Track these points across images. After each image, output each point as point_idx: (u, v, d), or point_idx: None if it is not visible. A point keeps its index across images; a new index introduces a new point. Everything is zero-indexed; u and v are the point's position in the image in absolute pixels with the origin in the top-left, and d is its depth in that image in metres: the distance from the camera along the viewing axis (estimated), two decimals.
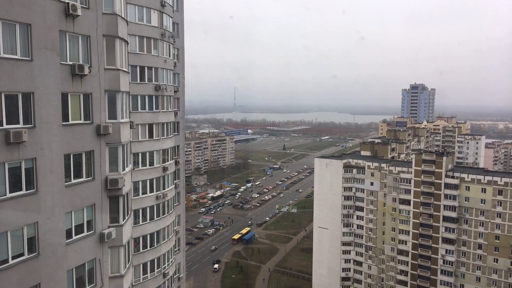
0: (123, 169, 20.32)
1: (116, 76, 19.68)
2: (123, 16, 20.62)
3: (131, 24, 30.18)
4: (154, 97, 34.45)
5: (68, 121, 16.85)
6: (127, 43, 21.88)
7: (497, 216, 75.35)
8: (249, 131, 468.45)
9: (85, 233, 17.84)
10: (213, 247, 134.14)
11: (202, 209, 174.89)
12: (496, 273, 76.66)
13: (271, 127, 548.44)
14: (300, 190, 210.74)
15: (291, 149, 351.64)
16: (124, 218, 20.51)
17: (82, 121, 17.65)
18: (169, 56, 36.46)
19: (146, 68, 33.52)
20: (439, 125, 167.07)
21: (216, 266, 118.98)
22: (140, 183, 33.92)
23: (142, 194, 34.21)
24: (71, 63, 16.84)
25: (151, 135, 34.65)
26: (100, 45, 18.72)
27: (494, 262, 76.51)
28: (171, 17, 36.88)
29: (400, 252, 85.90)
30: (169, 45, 36.38)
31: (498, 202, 75.07)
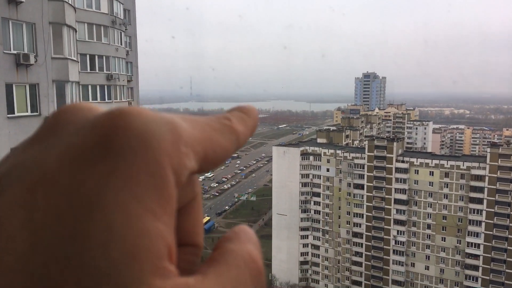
0: None
1: (65, 65, 18.90)
2: (70, 2, 19.75)
3: (79, 11, 28.91)
4: (106, 86, 33.38)
5: (14, 113, 16.05)
6: (76, 31, 21.02)
7: (444, 197, 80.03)
8: None
9: None
10: None
11: None
12: (444, 251, 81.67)
13: None
14: (259, 178, 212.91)
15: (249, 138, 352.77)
16: None
17: (29, 113, 16.86)
18: (121, 44, 35.37)
19: (96, 57, 32.36)
20: (390, 112, 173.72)
21: None
22: None
23: None
24: (15, 52, 15.99)
25: None
26: (47, 33, 17.86)
27: (442, 241, 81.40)
28: (122, 4, 35.71)
29: (355, 234, 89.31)
30: (121, 33, 35.27)
31: (444, 184, 79.66)
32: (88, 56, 31.76)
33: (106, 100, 33.58)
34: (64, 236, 0.30)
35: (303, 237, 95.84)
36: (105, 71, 33.12)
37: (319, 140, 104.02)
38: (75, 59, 20.67)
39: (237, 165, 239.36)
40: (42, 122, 0.40)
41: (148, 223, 0.32)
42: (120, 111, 0.36)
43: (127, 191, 0.32)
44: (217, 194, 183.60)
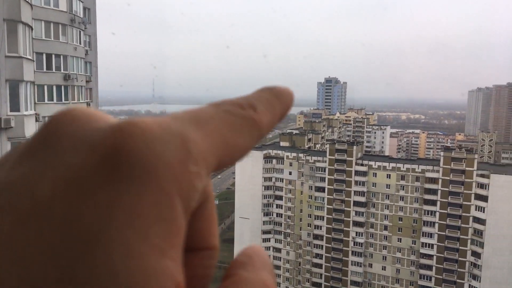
0: None
1: (19, 64, 18.19)
2: None
3: (36, 8, 27.85)
4: (63, 87, 32.30)
5: None
6: (32, 29, 20.27)
7: (400, 199, 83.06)
8: None
9: None
10: None
11: None
12: (400, 252, 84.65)
13: None
14: (222, 182, 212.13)
15: None
16: None
17: None
18: (80, 43, 34.38)
19: (53, 56, 31.27)
20: (350, 117, 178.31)
21: None
22: None
23: None
24: None
25: None
26: (0, 30, 17.13)
27: (398, 241, 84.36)
28: (82, 2, 34.74)
29: (316, 237, 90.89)
30: (80, 32, 34.29)
31: (401, 186, 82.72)
32: (44, 55, 30.64)
33: (63, 101, 32.49)
34: (59, 279, 0.27)
35: (265, 240, 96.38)
36: (62, 71, 32.05)
37: (282, 144, 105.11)
38: (30, 58, 19.91)
39: None
40: (35, 131, 0.36)
41: (154, 262, 0.29)
42: (122, 128, 0.32)
43: (130, 226, 0.29)
44: None
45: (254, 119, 0.41)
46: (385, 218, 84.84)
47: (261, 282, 0.40)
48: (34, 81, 21.71)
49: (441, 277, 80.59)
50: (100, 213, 0.29)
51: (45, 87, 30.96)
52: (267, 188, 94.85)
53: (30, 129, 19.23)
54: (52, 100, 31.69)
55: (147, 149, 0.31)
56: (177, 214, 0.31)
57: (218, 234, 0.43)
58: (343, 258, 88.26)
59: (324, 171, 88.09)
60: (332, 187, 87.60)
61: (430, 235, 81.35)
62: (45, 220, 0.28)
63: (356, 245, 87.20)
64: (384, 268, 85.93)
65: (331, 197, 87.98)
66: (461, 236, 78.97)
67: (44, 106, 30.84)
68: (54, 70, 31.48)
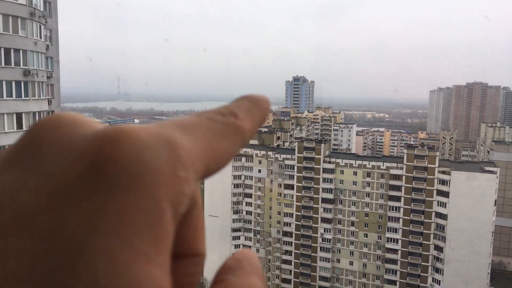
0: None
1: None
2: None
3: None
4: (23, 83, 30.86)
5: None
6: None
7: (366, 196, 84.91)
8: (136, 120, 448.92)
9: None
10: None
11: None
12: (366, 247, 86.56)
13: (160, 117, 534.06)
14: None
15: None
16: None
17: None
18: (40, 38, 32.94)
19: (12, 50, 29.80)
20: (318, 115, 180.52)
21: None
22: None
23: None
24: None
25: (20, 125, 31.04)
26: None
27: (364, 237, 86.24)
28: None
29: (285, 233, 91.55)
30: (40, 26, 32.84)
31: (367, 183, 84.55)
32: (2, 50, 29.16)
33: (23, 97, 31.07)
34: None
35: (235, 238, 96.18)
36: (22, 66, 30.61)
37: (251, 142, 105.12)
38: None
39: None
40: (18, 137, 0.34)
41: (139, 270, 0.28)
42: (108, 135, 0.31)
43: (116, 234, 0.28)
44: None
45: (237, 125, 0.42)
46: (352, 214, 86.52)
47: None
48: None
49: (405, 271, 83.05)
50: (84, 222, 0.28)
51: (4, 83, 29.47)
52: (236, 186, 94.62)
53: None
54: (11, 96, 30.22)
55: (135, 155, 0.31)
56: (165, 219, 0.31)
57: (205, 240, 0.42)
58: (312, 254, 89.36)
59: (293, 168, 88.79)
60: (300, 184, 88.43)
61: (395, 230, 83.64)
62: (26, 231, 0.27)
63: (324, 241, 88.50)
64: (351, 263, 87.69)
65: (300, 194, 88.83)
66: (424, 231, 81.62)
67: (2, 102, 29.36)
68: (13, 65, 30.03)
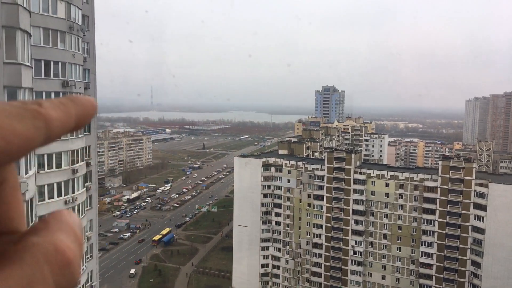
0: (26, 172, 18.68)
1: (17, 70, 17.98)
2: (25, 6, 18.91)
3: (35, 15, 27.78)
4: (61, 94, 32.11)
5: None
6: (30, 36, 20.12)
7: (399, 208, 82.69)
8: (168, 130, 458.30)
9: None
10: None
11: (116, 212, 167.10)
12: (399, 261, 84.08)
13: (190, 126, 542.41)
14: (220, 189, 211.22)
15: (211, 148, 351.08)
16: (28, 225, 18.83)
17: None
18: (78, 51, 34.25)
19: (52, 63, 31.12)
20: (348, 125, 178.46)
21: (132, 271, 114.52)
22: (46, 186, 31.42)
23: (49, 198, 31.72)
24: None
25: None
26: None
27: (397, 250, 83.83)
28: (80, 9, 34.68)
29: (315, 245, 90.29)
30: (78, 39, 34.18)
31: (400, 195, 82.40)
32: (43, 62, 30.50)
33: None
34: None
35: (263, 248, 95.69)
36: (60, 78, 31.89)
37: (280, 152, 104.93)
38: (28, 64, 19.72)
39: (193, 177, 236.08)
40: None
41: None
42: None
43: None
44: (177, 205, 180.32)
45: (38, 110, 0.41)
46: (384, 227, 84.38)
47: (52, 246, 0.39)
48: (33, 87, 21.51)
49: (441, 286, 79.96)
50: None
51: (43, 94, 30.79)
52: (265, 196, 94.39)
53: None
54: None
55: None
56: None
57: (22, 216, 0.42)
58: (343, 267, 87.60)
59: (323, 179, 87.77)
60: (330, 195, 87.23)
61: (430, 244, 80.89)
62: None
63: (356, 254, 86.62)
64: (383, 278, 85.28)
65: (330, 205, 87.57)
66: (461, 246, 78.54)
67: None
68: (52, 77, 31.32)
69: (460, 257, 78.71)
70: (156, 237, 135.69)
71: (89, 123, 0.46)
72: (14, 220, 0.41)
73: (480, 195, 76.10)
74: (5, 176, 0.41)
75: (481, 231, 75.72)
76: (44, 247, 0.37)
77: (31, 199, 19.26)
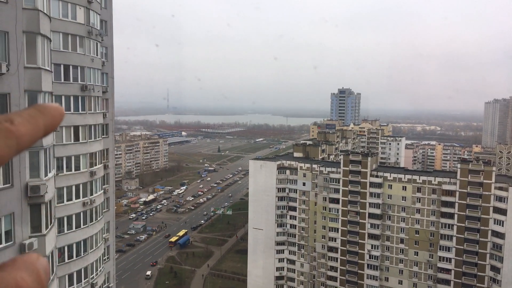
0: (46, 175, 19.08)
1: (38, 75, 18.44)
2: (45, 11, 19.38)
3: (54, 20, 28.42)
4: (80, 97, 32.74)
5: None
6: (50, 40, 20.60)
7: (417, 212, 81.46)
8: (183, 133, 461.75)
9: (3, 244, 16.46)
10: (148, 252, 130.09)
11: (133, 214, 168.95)
12: (417, 266, 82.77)
13: (206, 129, 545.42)
14: (236, 192, 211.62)
15: (226, 151, 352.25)
16: (47, 227, 19.24)
17: None
18: (97, 55, 34.88)
19: (71, 67, 31.76)
20: (364, 128, 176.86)
21: (148, 273, 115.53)
22: (65, 189, 32.02)
23: (67, 200, 32.31)
24: None
25: (76, 138, 32.85)
26: (20, 42, 17.42)
27: (415, 255, 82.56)
28: (99, 14, 35.33)
29: (330, 249, 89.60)
30: (97, 43, 34.81)
31: (417, 199, 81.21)
32: (62, 66, 31.16)
33: (80, 111, 32.92)
34: None
35: (278, 251, 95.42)
36: (79, 82, 32.52)
37: (295, 154, 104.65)
38: (48, 69, 20.18)
39: (208, 180, 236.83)
40: None
41: None
42: None
43: None
44: (193, 208, 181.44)
45: (9, 129, 0.45)
46: (401, 231, 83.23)
47: (13, 281, 0.42)
48: (52, 91, 22.00)
49: None
50: None
51: (63, 98, 31.43)
52: (280, 199, 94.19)
53: (48, 138, 19.42)
54: (70, 110, 32.12)
55: None
56: None
57: None
58: (359, 271, 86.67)
59: (339, 182, 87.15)
60: (346, 198, 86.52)
61: (448, 249, 79.44)
62: None
63: (372, 258, 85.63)
64: (400, 282, 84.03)
65: (346, 208, 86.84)
66: (480, 250, 76.90)
67: None
68: (71, 81, 31.97)
69: (479, 262, 77.07)
70: (173, 239, 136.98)
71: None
72: None
73: (500, 199, 74.46)
74: None
75: (501, 235, 74.05)
76: (6, 281, 0.40)
77: (50, 201, 19.65)
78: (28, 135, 0.45)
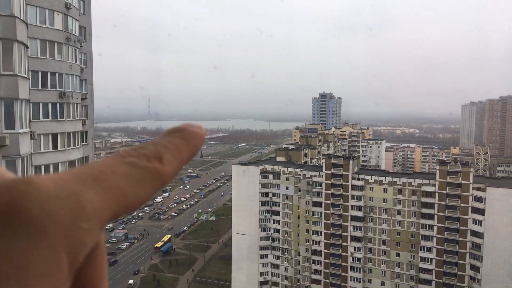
0: None
1: (14, 82, 18.12)
2: (22, 18, 19.09)
3: (32, 27, 27.98)
4: (58, 104, 32.21)
5: None
6: (27, 47, 20.27)
7: (398, 214, 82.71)
8: None
9: None
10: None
11: (113, 222, 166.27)
12: (399, 267, 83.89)
13: None
14: (219, 198, 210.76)
15: (209, 157, 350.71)
16: None
17: None
18: (75, 61, 34.43)
19: (49, 74, 31.26)
20: (345, 131, 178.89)
21: (131, 281, 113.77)
22: None
23: None
24: None
25: (55, 146, 32.28)
26: None
27: (396, 256, 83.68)
28: (77, 20, 34.92)
29: (314, 252, 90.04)
30: (75, 50, 34.37)
31: (398, 200, 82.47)
32: (40, 73, 30.64)
33: (59, 119, 32.37)
34: None
35: (263, 256, 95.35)
36: (57, 89, 32.01)
37: (278, 159, 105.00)
38: (25, 76, 19.86)
39: (189, 187, 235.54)
40: None
41: None
42: (17, 187, 0.34)
43: (16, 279, 0.31)
44: (176, 214, 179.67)
45: (159, 171, 0.43)
46: (383, 233, 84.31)
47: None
48: (30, 99, 21.64)
49: None
50: None
51: (41, 105, 30.87)
52: (264, 203, 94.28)
53: (25, 147, 19.07)
54: (48, 117, 31.57)
55: (40, 208, 0.34)
56: (63, 268, 0.35)
57: (106, 277, 0.47)
58: (342, 273, 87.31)
59: (321, 185, 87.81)
60: (329, 201, 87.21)
61: (429, 249, 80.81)
62: None
63: (355, 260, 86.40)
64: (383, 284, 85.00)
65: (329, 212, 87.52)
66: (460, 250, 78.48)
67: (39, 123, 30.70)
68: (49, 88, 31.44)
69: (459, 261, 78.64)
70: (158, 244, 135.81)
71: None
72: (102, 284, 0.44)
73: (478, 199, 76.26)
74: (102, 241, 0.42)
75: (479, 235, 75.76)
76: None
77: None
78: (173, 173, 0.44)
